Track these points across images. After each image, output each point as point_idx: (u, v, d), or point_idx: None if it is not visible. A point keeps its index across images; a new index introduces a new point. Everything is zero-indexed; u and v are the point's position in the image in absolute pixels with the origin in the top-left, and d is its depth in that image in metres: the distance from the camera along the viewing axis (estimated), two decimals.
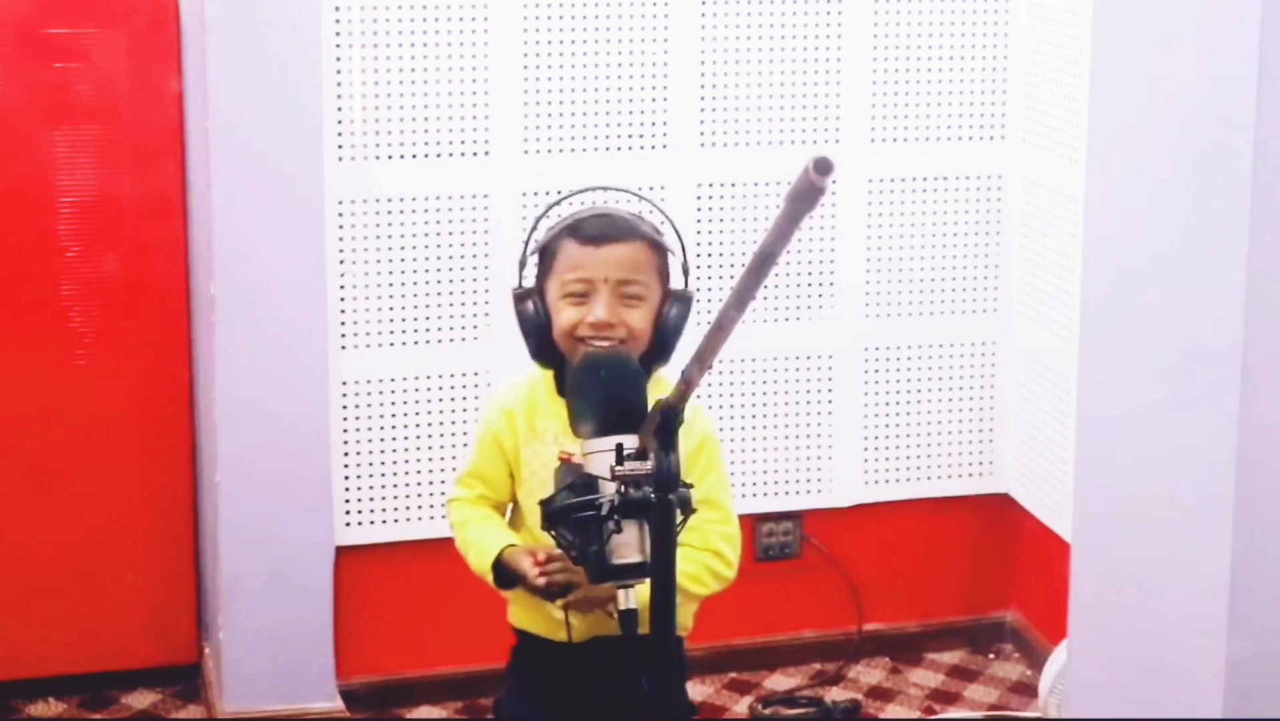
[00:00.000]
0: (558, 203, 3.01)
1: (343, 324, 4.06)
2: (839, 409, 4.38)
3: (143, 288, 4.15)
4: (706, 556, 2.93)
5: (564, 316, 2.85)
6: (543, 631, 2.97)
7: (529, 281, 2.92)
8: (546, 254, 2.90)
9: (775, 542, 4.43)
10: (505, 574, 2.89)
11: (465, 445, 4.08)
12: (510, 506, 3.01)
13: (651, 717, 2.93)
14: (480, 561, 2.91)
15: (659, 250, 2.90)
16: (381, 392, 4.10)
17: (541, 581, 2.79)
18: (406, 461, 4.12)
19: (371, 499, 4.13)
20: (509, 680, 3.09)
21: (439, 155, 4.06)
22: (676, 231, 2.96)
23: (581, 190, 3.02)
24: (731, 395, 4.31)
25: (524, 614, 3.00)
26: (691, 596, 2.92)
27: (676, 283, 2.92)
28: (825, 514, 4.43)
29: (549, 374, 2.93)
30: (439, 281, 4.09)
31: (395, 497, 4.14)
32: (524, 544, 2.90)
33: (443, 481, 4.12)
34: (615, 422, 2.44)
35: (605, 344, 2.83)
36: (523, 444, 2.93)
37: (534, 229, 2.95)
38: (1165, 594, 2.87)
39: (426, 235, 4.07)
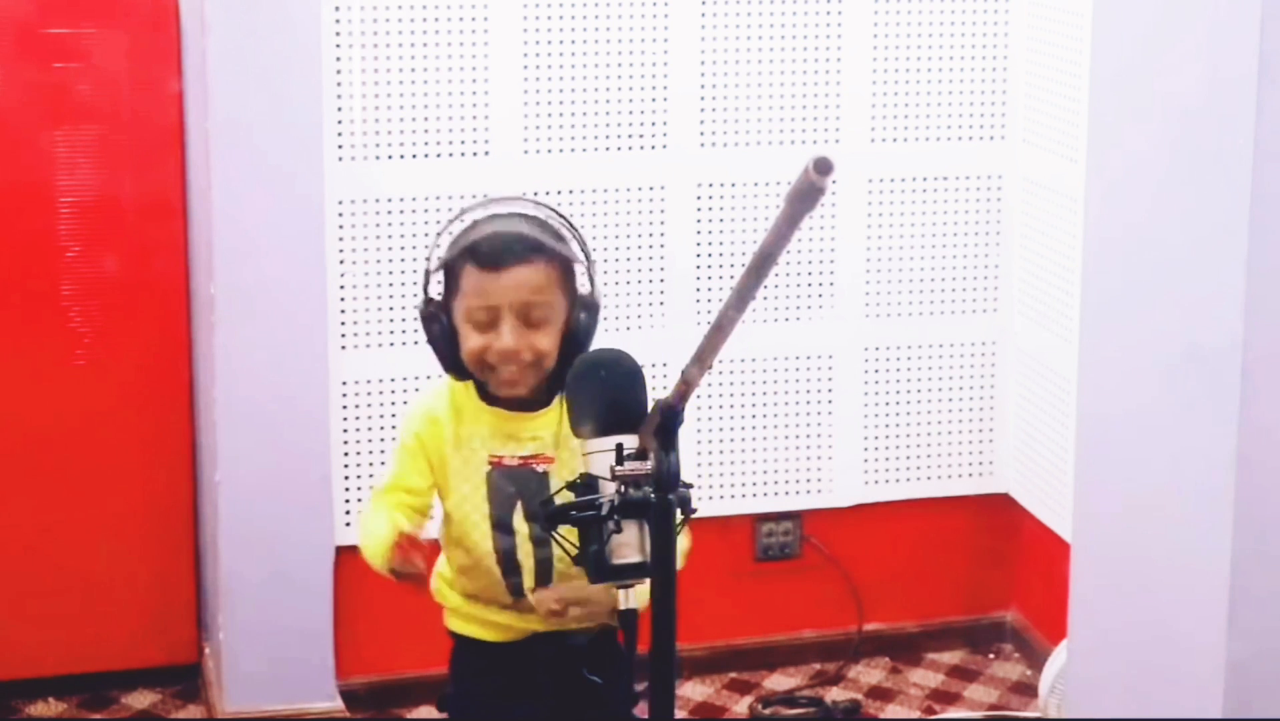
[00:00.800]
0: (456, 218, 2.94)
1: (343, 324, 4.06)
2: (839, 409, 4.38)
3: (143, 288, 4.15)
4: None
5: (471, 342, 2.83)
6: (479, 635, 3.00)
7: (435, 290, 2.89)
8: (450, 272, 2.87)
9: (775, 542, 4.43)
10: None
11: None
12: (443, 517, 2.98)
13: (599, 706, 2.96)
14: (375, 553, 2.88)
15: (561, 262, 2.86)
16: (381, 392, 4.10)
17: (391, 567, 2.81)
18: None
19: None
20: (452, 684, 3.10)
21: (439, 155, 4.06)
22: (578, 236, 2.89)
23: (476, 205, 2.94)
24: (731, 395, 4.31)
25: (460, 620, 3.02)
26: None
27: (584, 286, 2.89)
28: (825, 514, 4.43)
29: (468, 383, 2.91)
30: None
31: None
32: (466, 561, 2.92)
33: None
34: (615, 423, 2.44)
35: (512, 370, 2.82)
36: (450, 451, 2.92)
37: (435, 244, 2.90)
38: (1165, 594, 2.87)
39: (426, 235, 4.07)
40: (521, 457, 2.88)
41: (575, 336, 2.85)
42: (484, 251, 2.82)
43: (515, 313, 2.81)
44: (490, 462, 2.89)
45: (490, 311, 2.81)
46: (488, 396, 2.90)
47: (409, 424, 2.96)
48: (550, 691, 2.98)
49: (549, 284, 2.84)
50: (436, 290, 2.90)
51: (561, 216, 2.94)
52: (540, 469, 2.89)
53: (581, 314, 2.87)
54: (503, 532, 2.90)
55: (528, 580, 2.91)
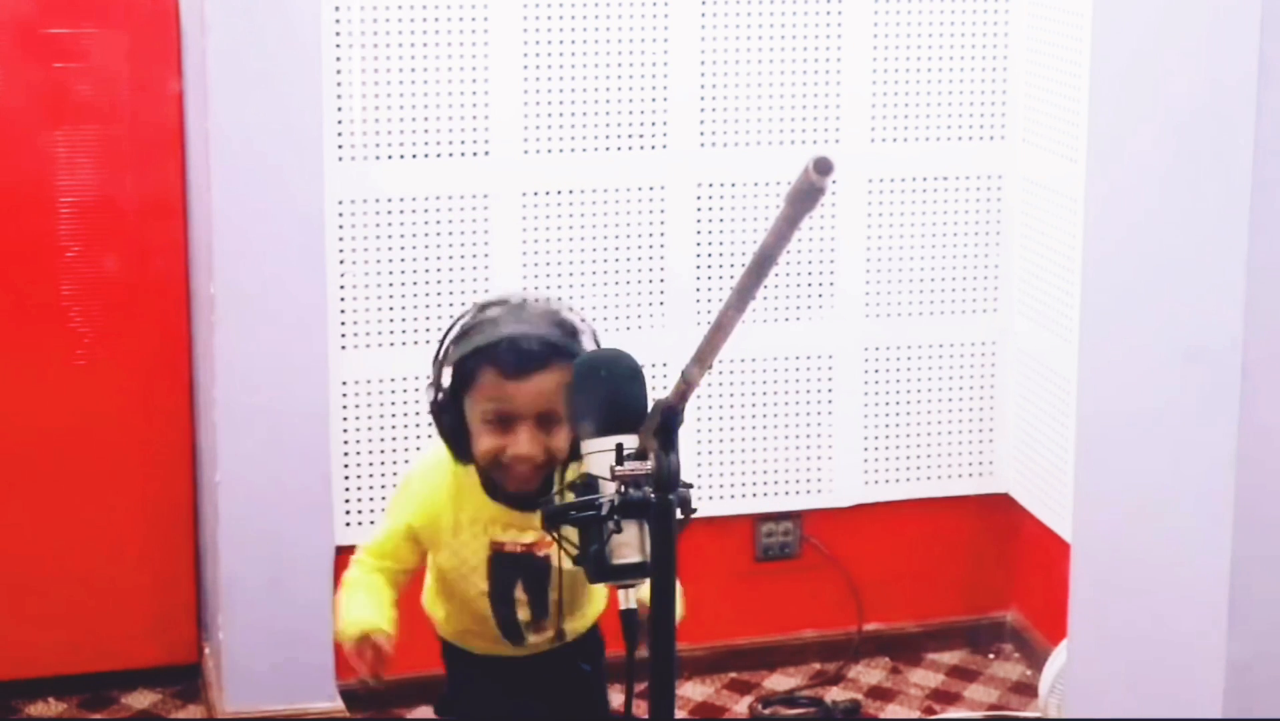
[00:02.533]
0: (465, 316, 2.91)
1: (343, 324, 4.06)
2: (839, 409, 4.38)
3: (143, 288, 4.15)
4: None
5: (485, 442, 2.84)
6: (474, 648, 3.04)
7: (445, 380, 2.88)
8: (464, 370, 2.86)
9: (775, 542, 4.43)
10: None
11: None
12: (432, 563, 3.01)
13: (589, 692, 2.98)
14: (344, 632, 2.91)
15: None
16: (381, 392, 4.10)
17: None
18: (406, 462, 4.12)
19: (371, 499, 4.13)
20: (448, 685, 3.12)
21: (439, 155, 4.06)
22: (590, 328, 2.89)
23: (492, 303, 2.92)
24: (731, 395, 4.31)
25: (450, 628, 3.05)
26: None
27: None
28: (825, 514, 4.43)
29: (472, 468, 2.91)
30: (439, 281, 4.09)
31: None
32: (464, 620, 2.96)
33: None
34: (615, 423, 2.44)
35: (525, 469, 2.83)
36: (448, 536, 2.94)
37: (447, 337, 2.89)
38: (1165, 594, 2.86)
39: (426, 235, 4.08)
40: (524, 545, 2.91)
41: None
42: (505, 359, 2.82)
43: (532, 419, 2.82)
44: (492, 547, 2.91)
45: (507, 416, 2.82)
46: (491, 489, 2.91)
47: (405, 507, 2.97)
48: (546, 686, 3.00)
49: (564, 387, 2.81)
50: (447, 381, 2.88)
51: (572, 310, 2.94)
52: (543, 554, 2.91)
53: None
54: (501, 602, 2.93)
55: (525, 631, 2.96)
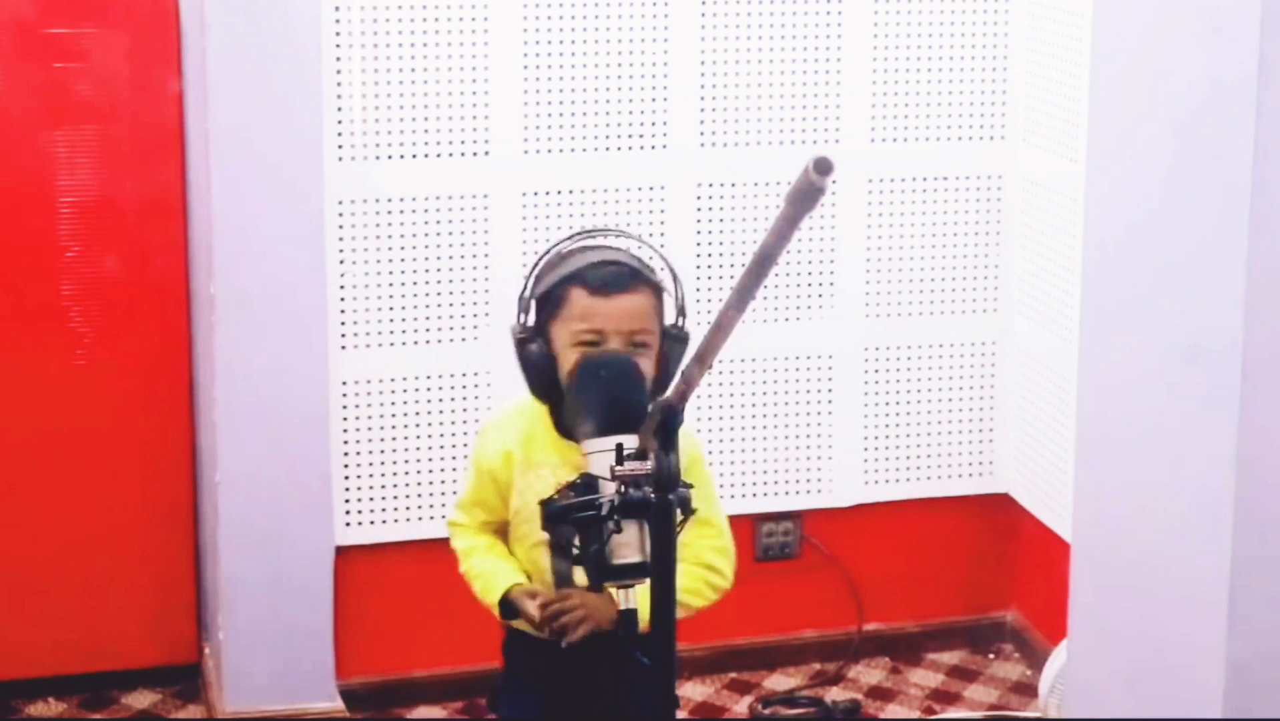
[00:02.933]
0: (559, 244, 2.98)
1: (343, 324, 4.06)
2: (839, 409, 4.38)
3: (143, 287, 4.15)
4: (700, 570, 3.00)
5: (574, 358, 2.87)
6: (532, 631, 3.00)
7: (529, 318, 2.94)
8: (552, 299, 2.91)
9: (775, 542, 4.43)
10: (509, 607, 2.96)
11: (466, 446, 4.08)
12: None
13: (650, 692, 2.98)
14: (486, 595, 2.99)
15: (658, 293, 2.94)
16: (381, 392, 4.10)
17: (545, 631, 2.89)
18: (406, 461, 4.13)
19: (371, 499, 4.13)
20: (506, 670, 3.12)
21: (439, 155, 4.06)
22: (673, 270, 2.97)
23: (583, 232, 3.01)
24: (731, 395, 4.31)
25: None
26: (689, 609, 2.98)
27: (673, 318, 2.95)
28: (825, 514, 4.43)
29: (544, 409, 2.96)
30: (439, 281, 4.09)
31: (395, 497, 4.14)
32: (524, 580, 2.97)
33: (443, 481, 4.12)
34: (615, 423, 2.44)
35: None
36: (518, 475, 2.97)
37: (535, 270, 2.95)
38: (1165, 594, 2.86)
39: (426, 235, 4.08)
40: None
41: (667, 369, 2.90)
42: (594, 277, 2.89)
43: (622, 337, 2.86)
44: (557, 491, 2.92)
45: (597, 335, 2.86)
46: (562, 428, 2.93)
47: (481, 453, 3.03)
48: (605, 678, 2.98)
49: (651, 312, 2.91)
50: (533, 315, 2.94)
51: (657, 253, 3.01)
52: None
53: (674, 348, 2.92)
54: (560, 556, 2.92)
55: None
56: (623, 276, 2.90)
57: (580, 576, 2.88)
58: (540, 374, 2.91)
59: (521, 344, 2.92)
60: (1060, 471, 4.19)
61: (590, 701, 3.01)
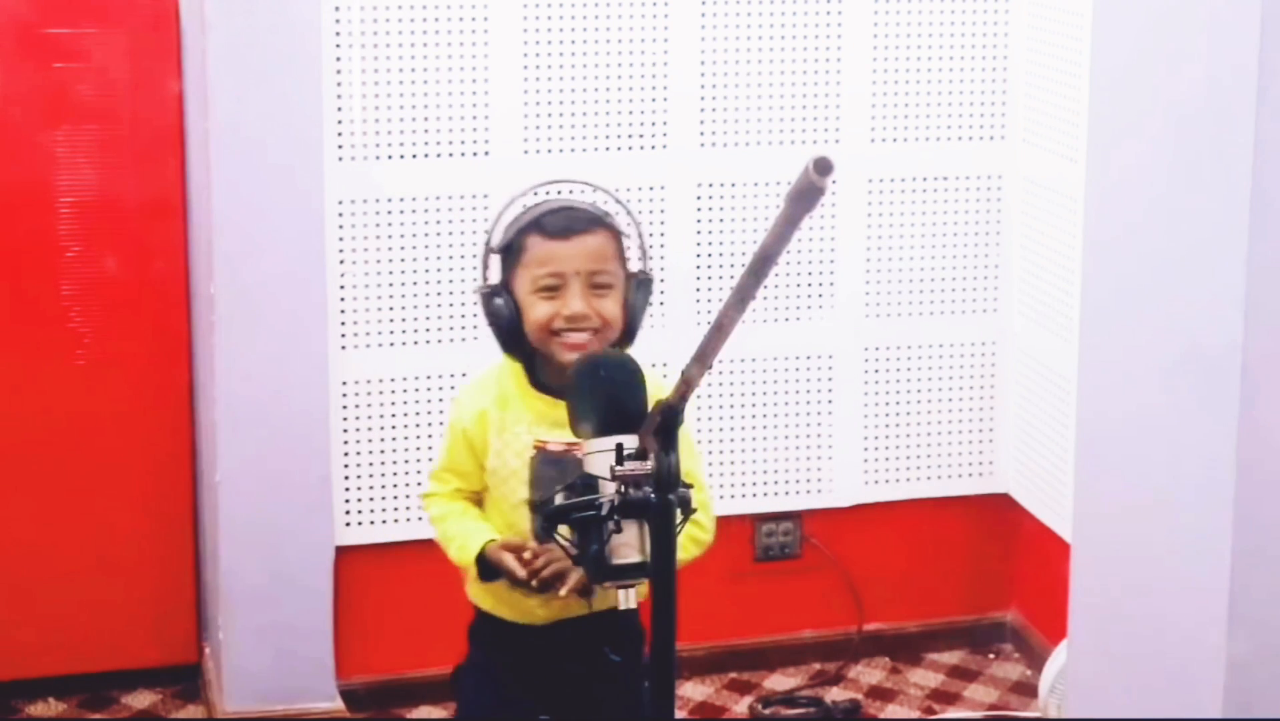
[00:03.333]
0: (516, 199, 3.03)
1: (343, 324, 4.06)
2: (839, 409, 4.38)
3: (143, 287, 4.15)
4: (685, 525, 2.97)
5: (538, 311, 2.91)
6: (507, 615, 3.02)
7: (493, 278, 2.98)
8: (512, 250, 2.95)
9: (775, 542, 4.43)
10: (488, 567, 2.94)
11: None
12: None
13: (619, 686, 2.97)
14: (463, 556, 2.97)
15: (618, 236, 2.97)
16: (381, 392, 4.10)
17: (534, 582, 2.85)
18: (406, 461, 4.13)
19: (371, 499, 4.13)
20: (471, 656, 3.11)
21: (439, 155, 4.06)
22: (632, 215, 3.01)
23: (536, 185, 3.04)
24: (731, 395, 4.31)
25: (485, 595, 3.04)
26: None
27: (634, 266, 2.99)
28: (825, 514, 4.43)
29: (518, 366, 2.98)
30: (439, 281, 4.09)
31: (395, 497, 4.14)
32: (501, 535, 2.95)
33: None
34: (615, 423, 2.44)
35: (581, 336, 2.90)
36: (493, 436, 2.98)
37: (494, 226, 2.99)
38: (1165, 594, 2.86)
39: (426, 235, 4.08)
40: (567, 444, 2.89)
41: (633, 312, 2.95)
42: (550, 222, 2.93)
43: (582, 279, 2.90)
44: (535, 447, 2.94)
45: (558, 278, 2.90)
46: (537, 382, 2.96)
47: (456, 416, 3.03)
48: (571, 671, 2.99)
49: (611, 252, 2.94)
50: (496, 271, 2.98)
51: (613, 197, 3.06)
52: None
53: (639, 290, 2.96)
54: (542, 514, 2.92)
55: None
56: (579, 219, 2.94)
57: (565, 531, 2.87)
58: (507, 328, 2.94)
59: (486, 299, 2.95)
60: (1060, 471, 4.19)
61: (557, 690, 3.01)
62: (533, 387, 2.97)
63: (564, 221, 2.92)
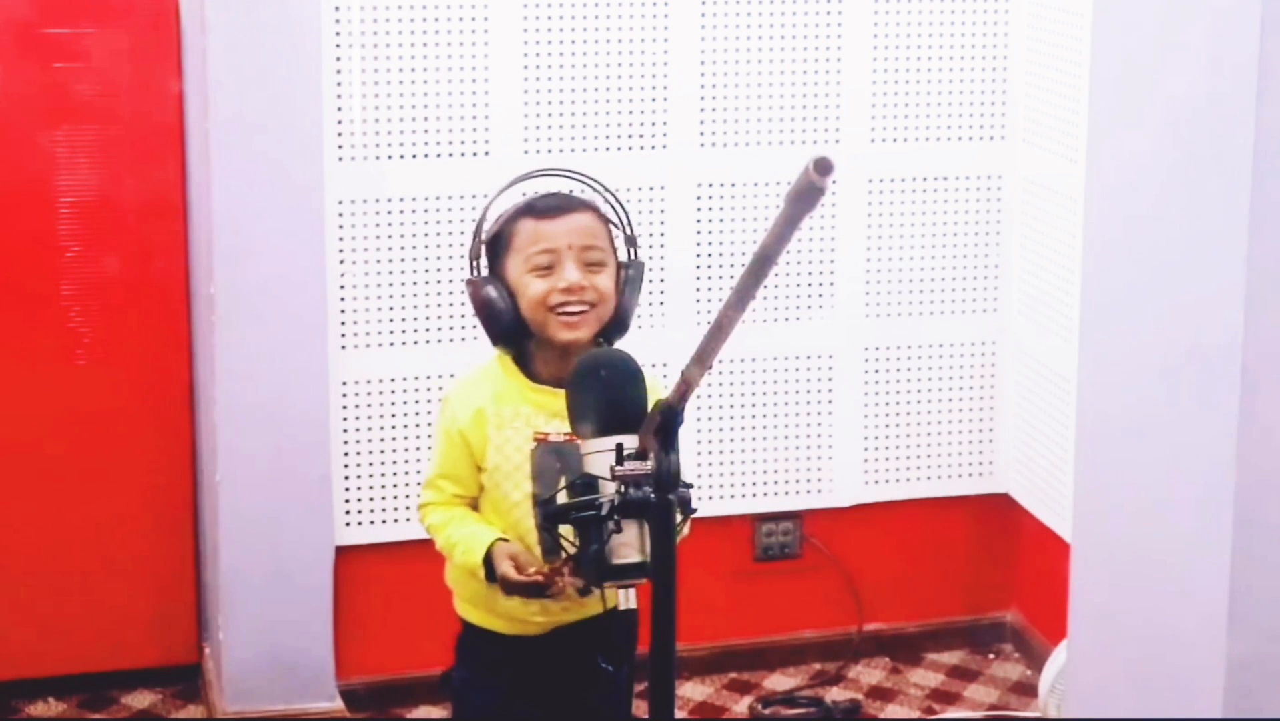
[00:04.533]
0: (503, 190, 3.03)
1: (343, 324, 4.06)
2: (839, 409, 4.38)
3: (143, 287, 4.15)
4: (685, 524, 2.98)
5: (533, 289, 2.91)
6: (499, 627, 3.01)
7: (483, 272, 2.99)
8: (502, 238, 2.96)
9: (775, 542, 4.43)
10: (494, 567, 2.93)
11: None
12: (481, 492, 3.03)
13: (610, 694, 2.97)
14: (469, 558, 2.93)
15: (607, 223, 2.99)
16: (381, 392, 4.10)
17: (524, 580, 2.84)
18: (406, 461, 4.13)
19: (371, 499, 4.13)
20: (460, 669, 3.10)
21: (439, 155, 4.06)
22: (620, 205, 3.02)
23: (521, 176, 3.06)
24: (731, 395, 4.31)
25: (476, 608, 3.03)
26: None
27: (622, 256, 3.01)
28: (825, 514, 4.43)
29: (506, 359, 2.98)
30: (439, 281, 4.09)
31: (395, 497, 4.14)
32: (501, 534, 2.94)
33: None
34: (615, 423, 2.44)
35: (578, 310, 2.90)
36: (492, 432, 2.96)
37: (482, 219, 2.99)
38: (1165, 594, 2.87)
39: (426, 235, 4.08)
40: (567, 433, 2.88)
41: (625, 295, 2.97)
42: (539, 204, 2.96)
43: (575, 254, 2.91)
44: (535, 439, 2.94)
45: (550, 255, 2.92)
46: (530, 373, 2.96)
47: (450, 417, 3.00)
48: (563, 681, 2.99)
49: (601, 232, 2.97)
50: (484, 263, 2.99)
51: (601, 188, 3.05)
52: None
53: (632, 274, 2.98)
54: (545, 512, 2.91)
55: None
56: (568, 199, 2.98)
57: (566, 531, 2.87)
58: (502, 316, 2.93)
59: (477, 290, 2.95)
60: (1060, 471, 4.19)
61: (549, 700, 3.00)
62: (527, 379, 2.96)
63: (553, 202, 2.96)
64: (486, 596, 2.98)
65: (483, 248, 2.98)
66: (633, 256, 2.99)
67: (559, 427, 2.90)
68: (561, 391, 2.89)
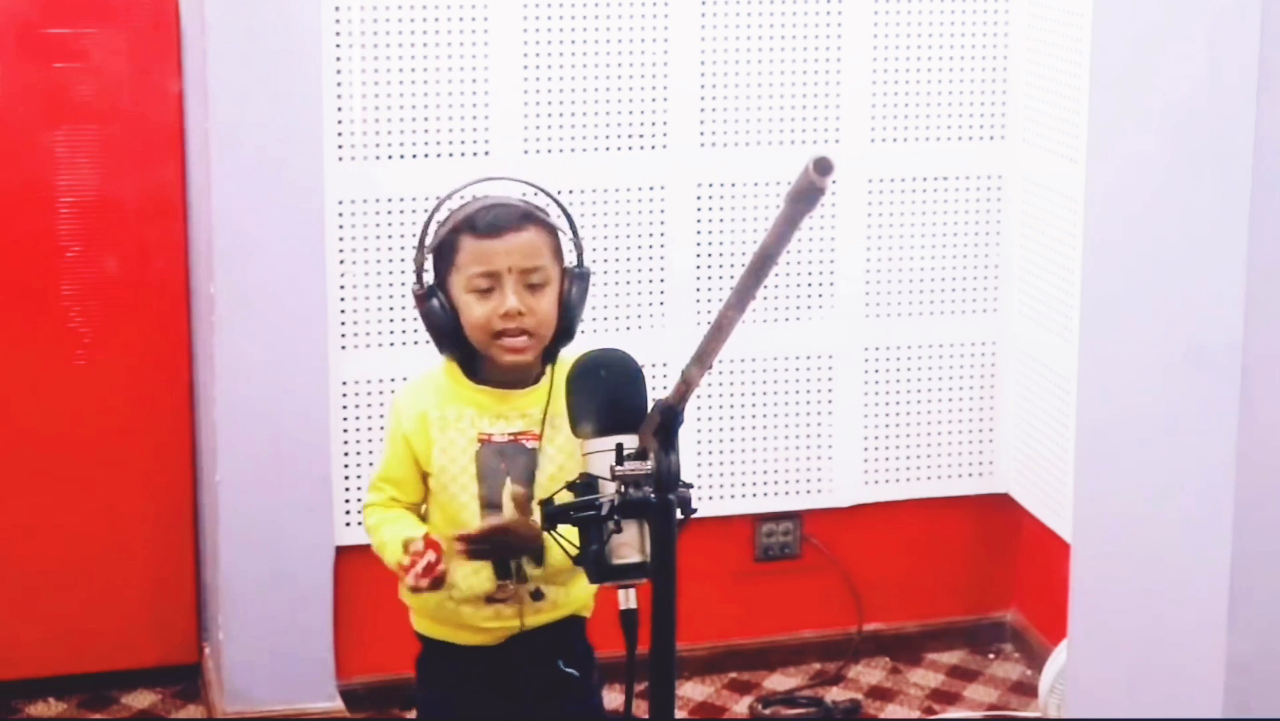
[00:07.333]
0: (445, 200, 3.01)
1: (343, 324, 4.06)
2: (839, 409, 4.38)
3: (143, 287, 4.15)
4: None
5: (474, 312, 2.91)
6: (452, 638, 3.02)
7: (428, 279, 2.97)
8: (445, 251, 2.95)
9: (775, 542, 4.43)
10: None
11: None
12: (429, 497, 3.03)
13: (574, 699, 2.98)
14: (394, 558, 2.94)
15: (552, 232, 2.96)
16: (381, 392, 4.10)
17: (409, 580, 2.86)
18: None
19: None
20: (421, 691, 3.12)
21: (439, 155, 4.06)
22: (565, 210, 3.00)
23: (465, 185, 3.02)
24: (731, 395, 4.31)
25: (431, 623, 3.04)
26: None
27: (570, 261, 2.99)
28: (825, 514, 4.43)
29: (452, 363, 2.98)
30: None
31: None
32: (430, 532, 2.94)
33: None
34: (615, 423, 2.44)
35: (520, 340, 2.89)
36: (436, 434, 2.97)
37: (425, 228, 2.98)
38: (1165, 594, 2.87)
39: None
40: (511, 434, 2.93)
41: (570, 307, 2.95)
42: (481, 221, 2.92)
43: (516, 277, 2.89)
44: (479, 440, 2.94)
45: (491, 278, 2.90)
46: (476, 375, 2.96)
47: (395, 421, 3.02)
48: (526, 689, 2.99)
49: (544, 248, 2.93)
50: (430, 274, 2.97)
51: (546, 194, 3.03)
52: (529, 445, 2.94)
53: (575, 285, 2.95)
54: (491, 510, 2.92)
55: (513, 570, 2.94)
56: (510, 216, 2.93)
57: (510, 512, 2.89)
58: (444, 329, 2.93)
59: (421, 301, 2.94)
60: (1060, 471, 4.19)
61: (513, 708, 3.00)
62: (470, 381, 2.96)
63: (494, 219, 2.92)
64: (437, 607, 2.99)
65: (427, 258, 2.96)
66: (580, 264, 2.96)
67: (503, 429, 2.93)
68: (505, 392, 2.95)
